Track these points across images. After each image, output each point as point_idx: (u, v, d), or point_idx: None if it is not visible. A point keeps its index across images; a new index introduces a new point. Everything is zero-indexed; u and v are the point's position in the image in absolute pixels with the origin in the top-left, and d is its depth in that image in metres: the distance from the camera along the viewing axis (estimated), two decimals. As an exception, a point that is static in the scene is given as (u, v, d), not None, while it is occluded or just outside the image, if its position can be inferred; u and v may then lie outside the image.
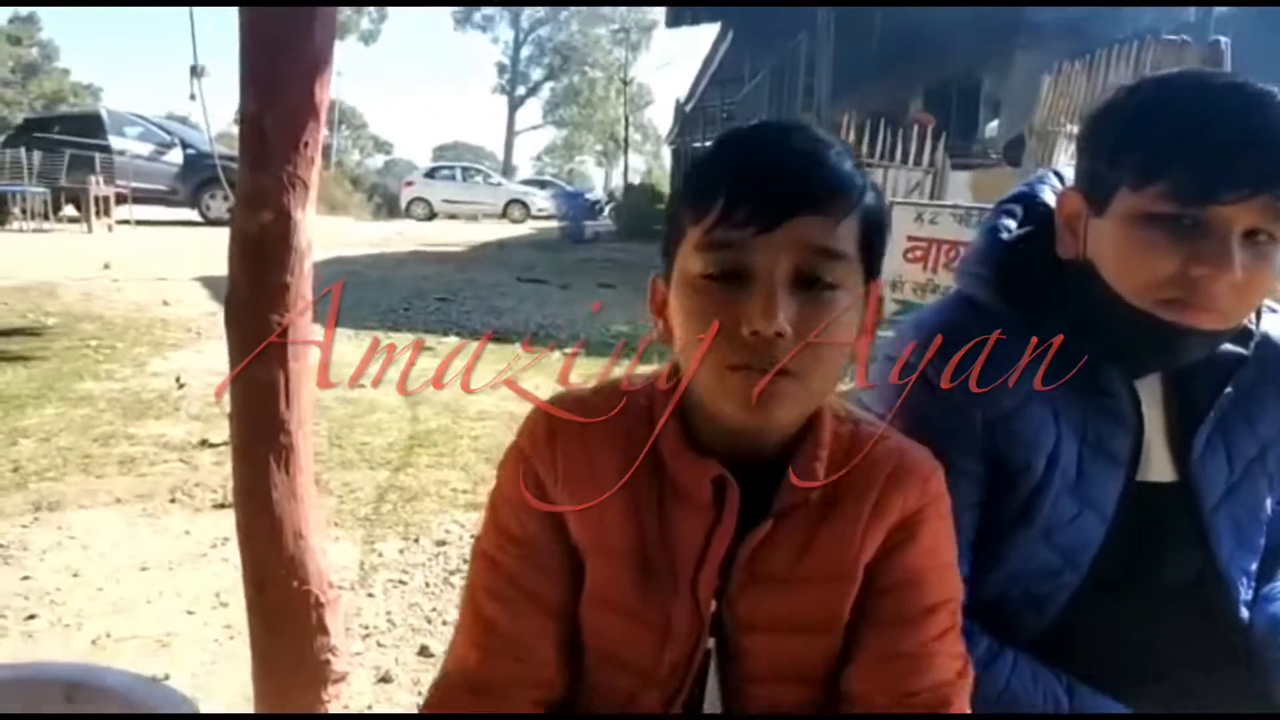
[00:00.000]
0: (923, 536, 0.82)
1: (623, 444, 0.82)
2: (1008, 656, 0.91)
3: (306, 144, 1.44)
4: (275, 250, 1.43)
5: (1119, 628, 0.95)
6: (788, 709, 0.82)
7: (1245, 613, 0.97)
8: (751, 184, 0.72)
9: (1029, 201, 1.02)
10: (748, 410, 0.73)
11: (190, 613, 2.40)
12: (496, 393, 4.87)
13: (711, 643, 0.82)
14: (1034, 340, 0.92)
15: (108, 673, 0.44)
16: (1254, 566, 0.98)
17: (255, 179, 1.43)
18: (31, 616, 2.34)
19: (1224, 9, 8.11)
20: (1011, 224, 1.00)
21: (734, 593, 0.80)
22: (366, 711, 2.02)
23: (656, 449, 0.82)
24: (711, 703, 0.83)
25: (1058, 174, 1.03)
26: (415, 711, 2.02)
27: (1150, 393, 0.94)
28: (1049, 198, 1.00)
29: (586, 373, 5.68)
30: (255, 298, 1.45)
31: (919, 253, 5.71)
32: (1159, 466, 0.94)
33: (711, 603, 0.80)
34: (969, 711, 0.81)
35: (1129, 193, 0.84)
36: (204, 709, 1.98)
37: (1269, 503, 0.99)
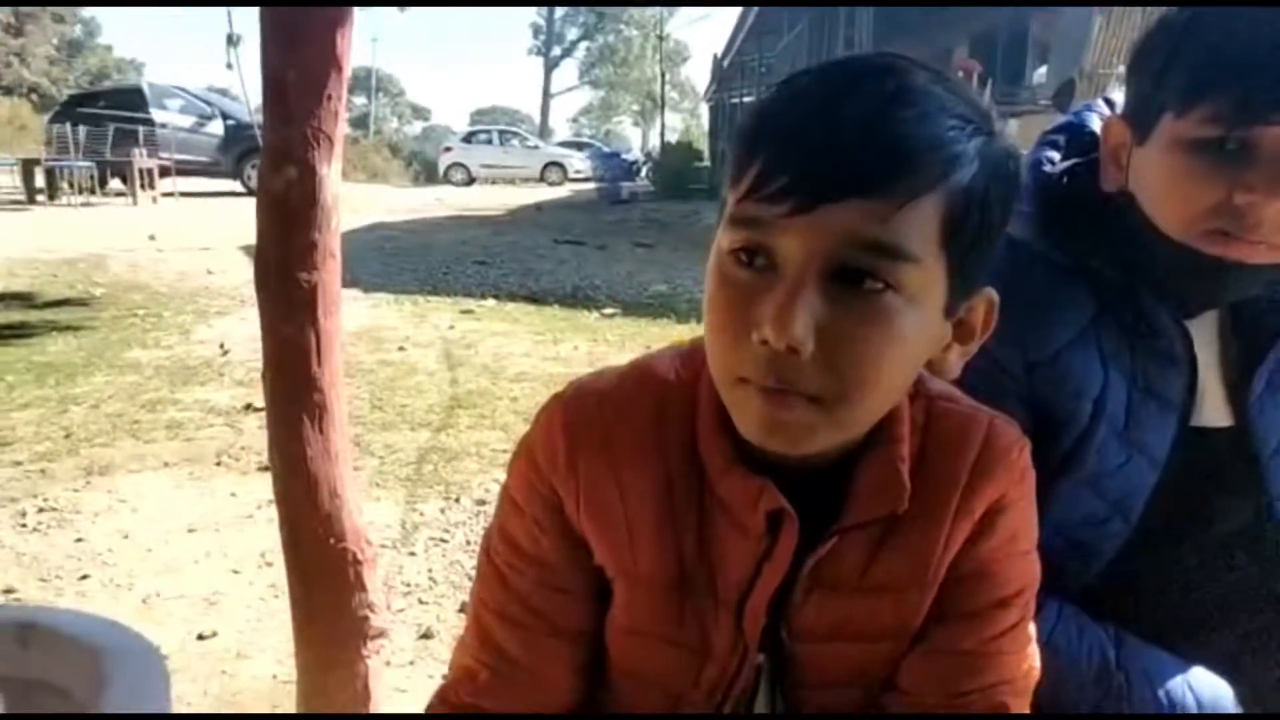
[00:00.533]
0: (1003, 525, 0.70)
1: (658, 452, 0.69)
2: (1053, 607, 0.88)
3: (330, 97, 1.41)
4: (302, 207, 1.41)
5: (1173, 578, 0.91)
6: (841, 710, 0.73)
7: None
8: (789, 152, 0.56)
9: (1075, 131, 0.96)
10: (760, 433, 0.60)
11: (236, 572, 2.45)
12: (535, 354, 4.88)
13: (762, 658, 0.71)
14: (1080, 280, 0.87)
15: (62, 614, 0.43)
16: None
17: (279, 135, 1.41)
18: (85, 577, 2.40)
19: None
20: (1055, 155, 0.95)
21: (794, 602, 0.69)
22: (368, 713, 2.04)
23: (699, 452, 0.68)
24: (759, 706, 0.74)
25: (1109, 101, 0.97)
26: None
27: (1205, 333, 0.89)
28: (1096, 126, 0.94)
29: (624, 332, 5.68)
30: (284, 256, 1.44)
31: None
32: (1213, 411, 0.89)
33: (760, 621, 0.69)
34: (1027, 712, 0.73)
35: (1172, 118, 0.78)
36: (249, 664, 2.05)
37: None
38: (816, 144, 0.55)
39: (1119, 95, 0.92)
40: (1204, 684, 0.85)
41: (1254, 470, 0.89)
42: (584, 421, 0.70)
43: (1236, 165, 0.76)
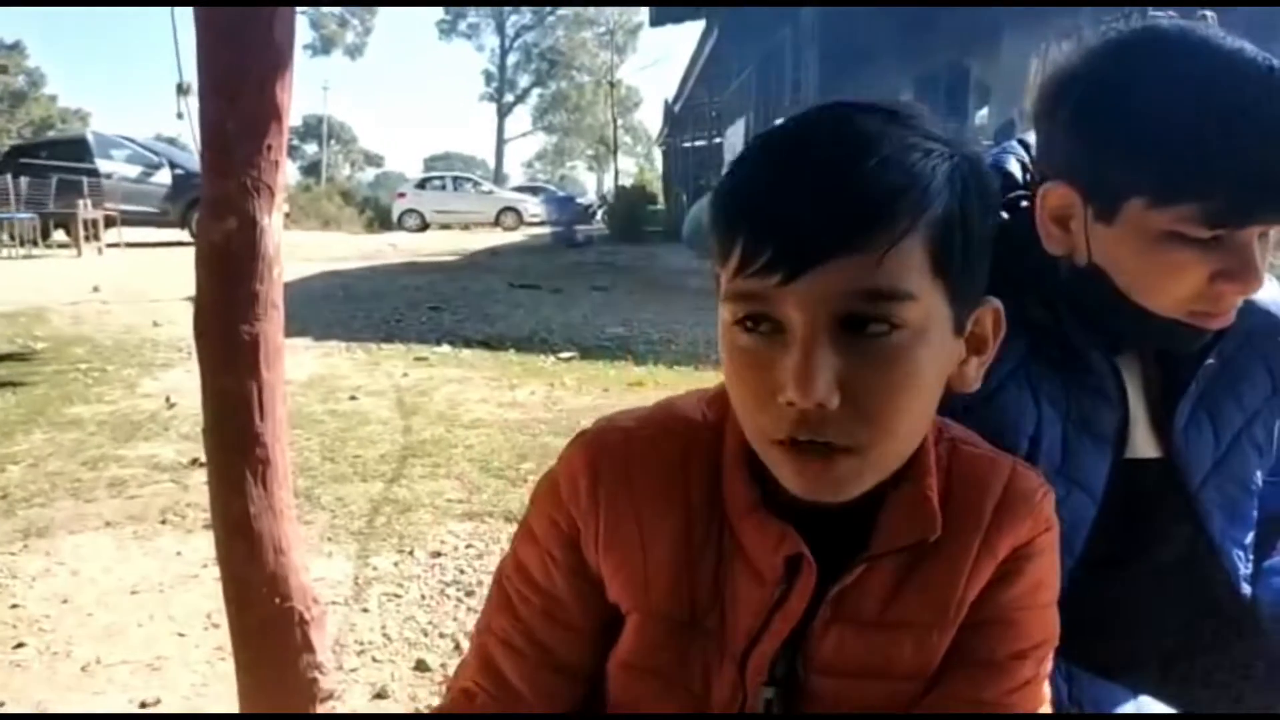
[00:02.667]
0: (1028, 573, 0.70)
1: (680, 493, 0.69)
2: None
3: (270, 147, 1.40)
4: (242, 258, 1.39)
5: (1116, 609, 0.91)
6: None
7: (1246, 588, 0.93)
8: (767, 224, 0.58)
9: (996, 175, 0.97)
10: (806, 488, 0.61)
11: (181, 635, 2.35)
12: (491, 400, 4.83)
13: (771, 693, 0.70)
14: (1008, 320, 0.88)
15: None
16: (1248, 539, 0.95)
17: (218, 186, 1.39)
18: (20, 645, 2.29)
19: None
20: None
21: (814, 636, 0.68)
22: (374, 714, 1.98)
23: (720, 499, 0.69)
24: None
25: (1023, 143, 0.96)
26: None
27: (1130, 368, 0.90)
28: (1014, 168, 0.94)
29: (582, 375, 5.65)
30: (224, 308, 1.41)
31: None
32: (1143, 443, 0.91)
33: (762, 676, 0.69)
34: None
35: (1145, 205, 0.77)
36: (193, 733, 1.96)
37: (1259, 474, 0.95)
38: (791, 212, 0.57)
39: (1030, 137, 0.93)
40: (1156, 716, 0.85)
41: (1185, 498, 0.90)
42: (608, 458, 0.71)
43: (1215, 255, 0.77)
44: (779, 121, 0.66)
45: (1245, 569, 0.93)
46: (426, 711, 2.03)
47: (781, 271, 0.57)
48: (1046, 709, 0.73)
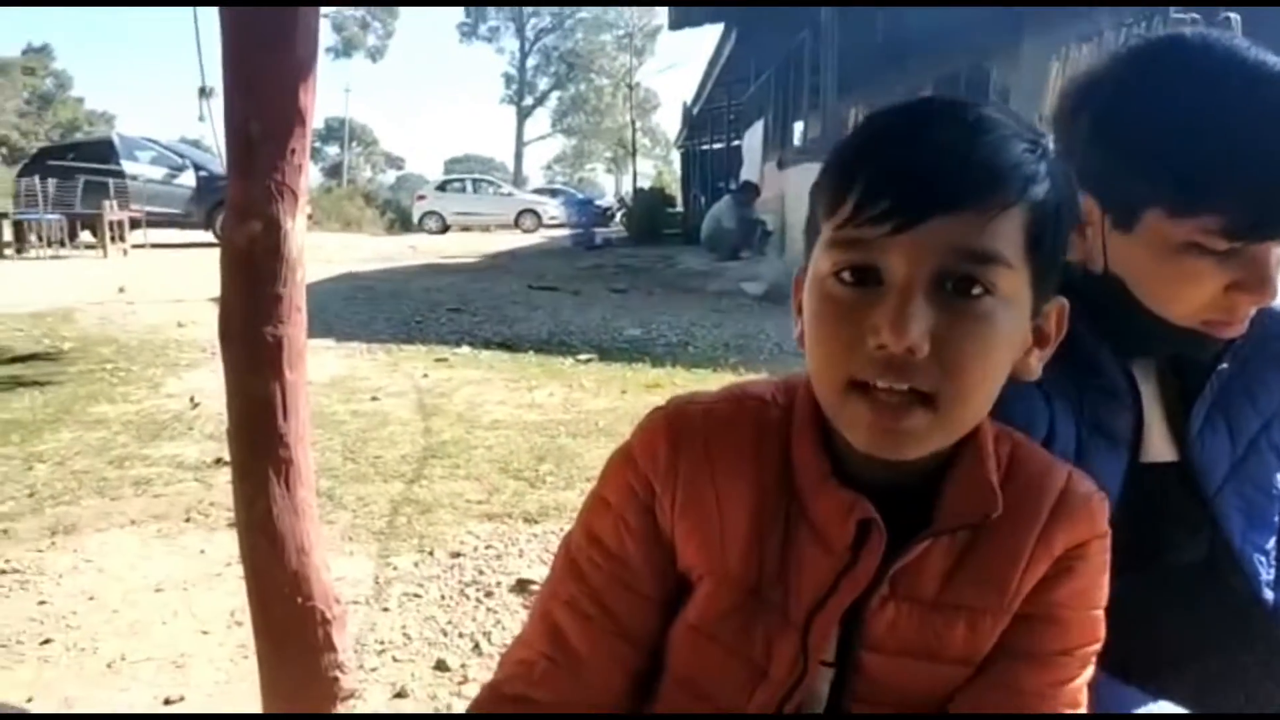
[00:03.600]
0: (1080, 574, 0.72)
1: (754, 466, 0.72)
2: None
3: (294, 151, 1.42)
4: (266, 261, 1.41)
5: (1133, 613, 0.91)
6: None
7: (1269, 594, 0.93)
8: (889, 175, 0.61)
9: None
10: (872, 440, 0.64)
11: (205, 633, 2.38)
12: (510, 401, 4.85)
13: (828, 672, 0.72)
14: None
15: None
16: (1271, 544, 0.94)
17: (243, 189, 1.41)
18: (47, 641, 2.33)
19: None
20: None
21: (870, 613, 0.70)
22: (391, 714, 2.00)
23: (791, 473, 0.72)
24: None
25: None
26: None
27: (1145, 372, 0.90)
28: None
29: (600, 377, 5.67)
30: (248, 310, 1.43)
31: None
32: (1159, 447, 0.90)
33: (825, 647, 0.71)
34: None
35: (1164, 215, 0.77)
36: (216, 729, 1.98)
37: (1279, 478, 0.94)
38: (913, 167, 0.61)
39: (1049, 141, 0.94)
40: (1171, 715, 0.85)
41: (1202, 502, 0.90)
42: (687, 429, 0.74)
43: (1232, 265, 0.77)
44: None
45: (1267, 574, 0.93)
46: (446, 711, 2.04)
47: (895, 220, 0.60)
48: (1083, 711, 0.74)
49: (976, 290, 0.62)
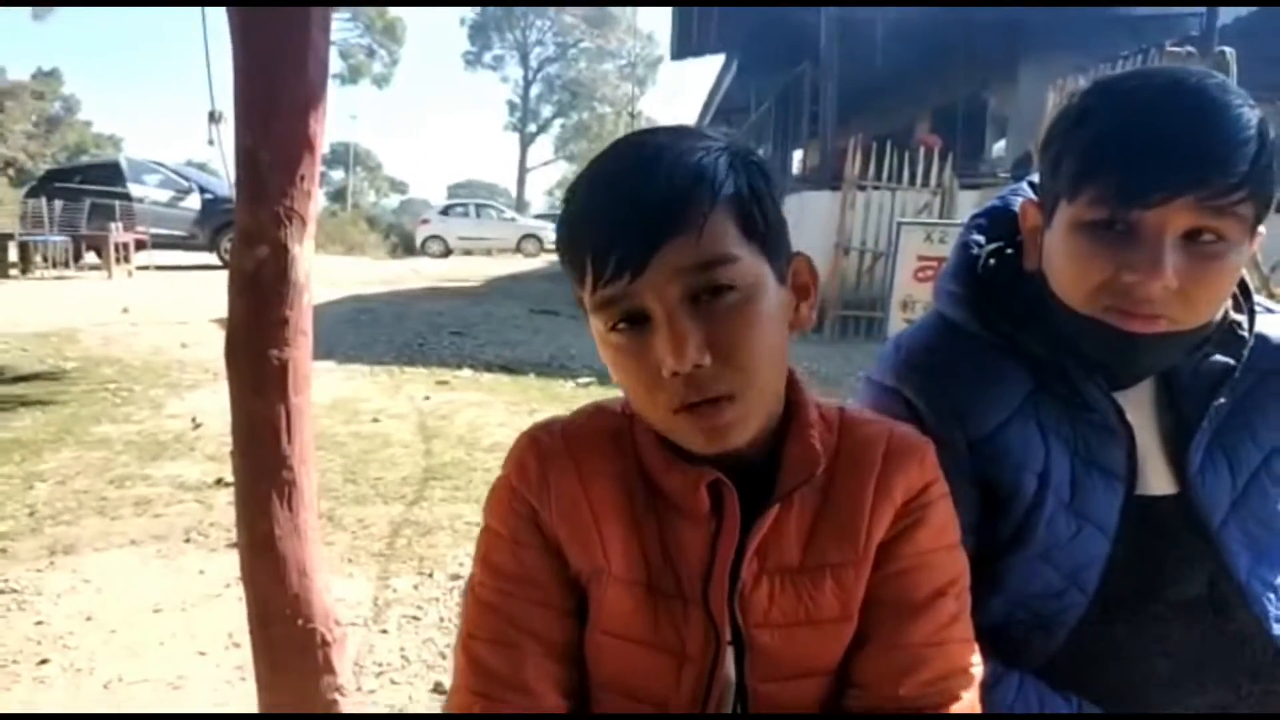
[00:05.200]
0: (930, 519, 0.80)
1: (614, 466, 0.80)
2: (1013, 679, 0.88)
3: (303, 177, 1.44)
4: (273, 285, 1.43)
5: (1135, 646, 0.91)
6: (803, 704, 0.79)
7: (1278, 629, 0.92)
8: (602, 240, 0.70)
9: (999, 214, 1.00)
10: (708, 443, 0.73)
11: (202, 654, 2.38)
12: (511, 424, 4.86)
13: (730, 651, 0.78)
14: (1015, 358, 0.90)
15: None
16: (1278, 579, 0.94)
17: (251, 214, 1.43)
18: (44, 662, 2.33)
19: (1229, 21, 8.09)
20: (981, 239, 0.99)
21: (746, 590, 0.77)
22: (383, 714, 1.99)
23: (644, 467, 0.79)
24: (726, 705, 0.80)
25: (1033, 184, 1.00)
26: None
27: (1138, 405, 0.91)
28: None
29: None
30: (255, 333, 1.45)
31: (929, 272, 5.68)
32: (1157, 479, 0.91)
33: (726, 614, 0.77)
34: (979, 710, 0.78)
35: (1066, 202, 0.83)
36: (213, 752, 1.98)
37: None
38: (618, 221, 0.70)
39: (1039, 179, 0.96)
40: (1156, 715, 0.86)
41: (1204, 538, 0.90)
42: (551, 443, 0.81)
43: (1122, 246, 0.79)
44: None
45: (1276, 610, 0.92)
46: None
47: (629, 269, 0.69)
48: (975, 646, 0.80)
49: (723, 290, 0.70)
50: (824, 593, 0.78)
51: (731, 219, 0.71)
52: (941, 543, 0.80)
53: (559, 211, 0.77)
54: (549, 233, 24.88)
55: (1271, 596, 0.92)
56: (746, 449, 0.76)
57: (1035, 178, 0.98)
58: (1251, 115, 0.77)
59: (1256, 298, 0.95)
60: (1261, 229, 0.81)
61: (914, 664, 0.77)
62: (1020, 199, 0.99)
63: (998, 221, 0.99)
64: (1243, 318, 0.92)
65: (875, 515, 0.78)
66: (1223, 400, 0.90)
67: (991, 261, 0.96)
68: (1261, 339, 0.92)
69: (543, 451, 0.81)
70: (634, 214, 0.69)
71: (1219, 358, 0.90)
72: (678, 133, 0.74)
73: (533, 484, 0.80)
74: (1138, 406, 0.91)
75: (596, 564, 0.78)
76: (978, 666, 0.79)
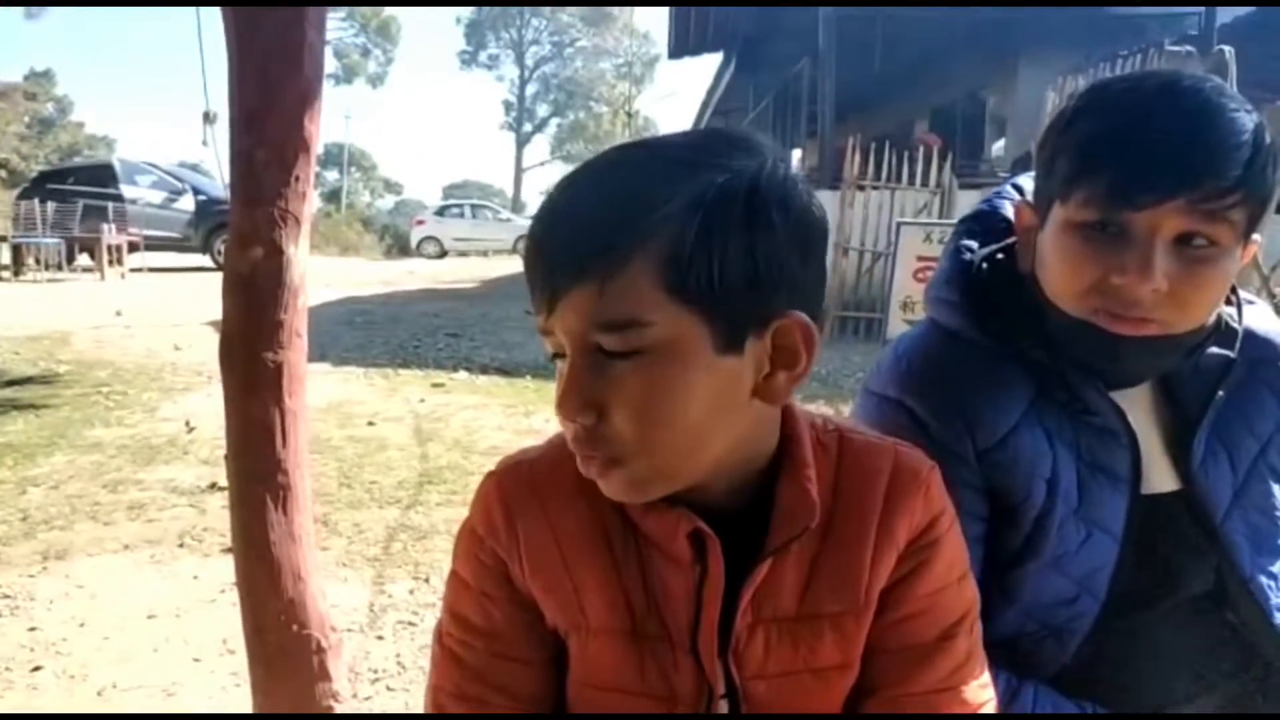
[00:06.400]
0: (939, 556, 0.73)
1: (587, 505, 0.72)
2: (1028, 692, 0.87)
3: (298, 178, 1.42)
4: (268, 288, 1.41)
5: (1148, 647, 0.90)
6: None
7: (1279, 617, 0.92)
8: (534, 271, 0.66)
9: (988, 218, 1.00)
10: (611, 494, 0.68)
11: (197, 660, 2.35)
12: (507, 427, 4.84)
13: (724, 704, 0.72)
14: (1015, 363, 0.89)
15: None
16: (1277, 568, 0.94)
17: (247, 215, 1.41)
18: (37, 668, 2.30)
19: (1228, 20, 8.10)
20: (973, 243, 0.97)
21: (740, 644, 0.71)
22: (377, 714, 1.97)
23: (622, 506, 0.71)
24: None
25: (1017, 187, 1.00)
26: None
27: (1139, 405, 0.91)
28: (1009, 212, 0.97)
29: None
30: (249, 336, 1.43)
31: (929, 272, 5.67)
32: (1160, 478, 0.91)
33: (719, 666, 0.71)
34: None
35: (1059, 204, 0.82)
36: (208, 760, 1.95)
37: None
38: (542, 246, 0.66)
39: (1026, 181, 0.96)
40: (1155, 715, 0.85)
41: (1208, 531, 0.90)
42: (517, 488, 0.74)
43: (1113, 248, 0.79)
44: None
45: (1276, 599, 0.92)
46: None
47: (544, 306, 0.64)
48: (989, 681, 0.75)
49: (625, 354, 0.62)
50: (824, 642, 0.72)
51: (658, 271, 0.60)
52: (950, 579, 0.74)
53: None
54: (545, 234, 24.87)
55: (1273, 586, 0.92)
56: (724, 497, 0.70)
57: (1023, 179, 0.98)
58: (1247, 120, 0.76)
59: (1241, 292, 0.95)
60: (1258, 236, 0.81)
61: (925, 712, 0.71)
62: (1006, 200, 0.99)
63: (987, 225, 0.99)
64: (1232, 310, 0.93)
65: (877, 562, 0.72)
66: (1220, 393, 0.90)
67: (985, 266, 0.95)
68: (1247, 330, 0.93)
69: (509, 496, 0.74)
70: (555, 248, 0.63)
71: (1215, 350, 0.90)
72: (658, 152, 0.65)
73: (500, 535, 0.73)
74: (1138, 406, 0.90)
75: (573, 619, 0.72)
76: (991, 703, 0.74)
